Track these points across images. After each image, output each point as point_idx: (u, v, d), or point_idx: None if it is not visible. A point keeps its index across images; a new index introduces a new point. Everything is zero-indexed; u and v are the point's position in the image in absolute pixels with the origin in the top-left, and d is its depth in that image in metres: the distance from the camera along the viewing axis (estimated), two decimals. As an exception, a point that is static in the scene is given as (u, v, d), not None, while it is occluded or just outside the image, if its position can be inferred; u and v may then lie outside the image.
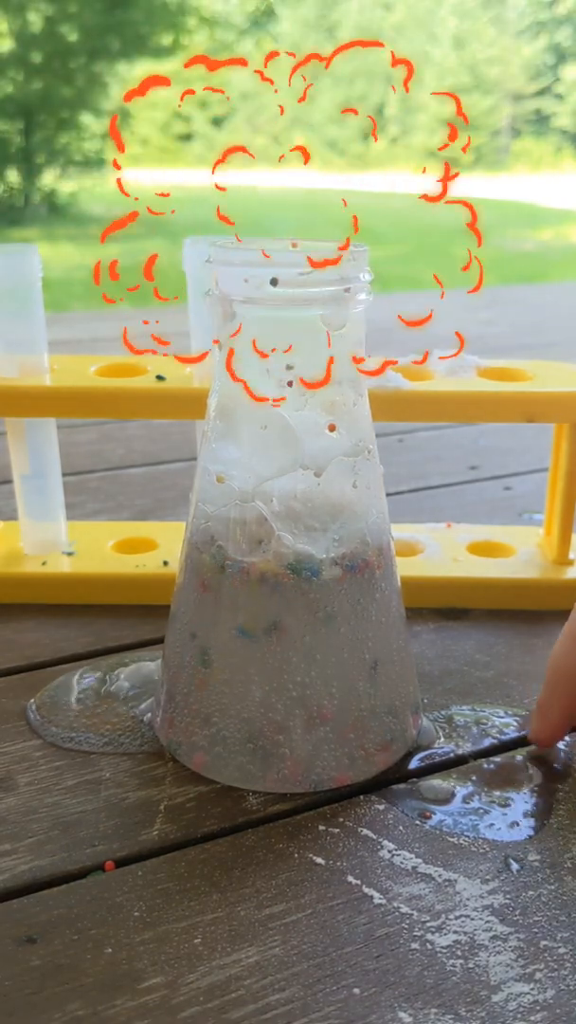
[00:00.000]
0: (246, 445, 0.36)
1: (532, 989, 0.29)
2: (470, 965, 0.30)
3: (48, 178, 6.74)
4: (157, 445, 0.81)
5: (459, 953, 0.30)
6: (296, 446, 0.35)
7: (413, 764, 0.39)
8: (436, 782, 0.37)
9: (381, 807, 0.36)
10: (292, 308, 0.34)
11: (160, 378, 0.50)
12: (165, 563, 0.52)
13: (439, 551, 0.54)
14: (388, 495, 0.39)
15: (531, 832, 0.35)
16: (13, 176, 6.58)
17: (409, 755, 0.39)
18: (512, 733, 0.41)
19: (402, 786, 0.38)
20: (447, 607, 0.51)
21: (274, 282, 0.33)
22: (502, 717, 0.42)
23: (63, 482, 0.54)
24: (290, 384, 0.35)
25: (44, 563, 0.52)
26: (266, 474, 0.35)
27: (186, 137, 11.17)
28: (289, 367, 0.34)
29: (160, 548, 0.54)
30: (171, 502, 0.68)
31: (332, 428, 0.35)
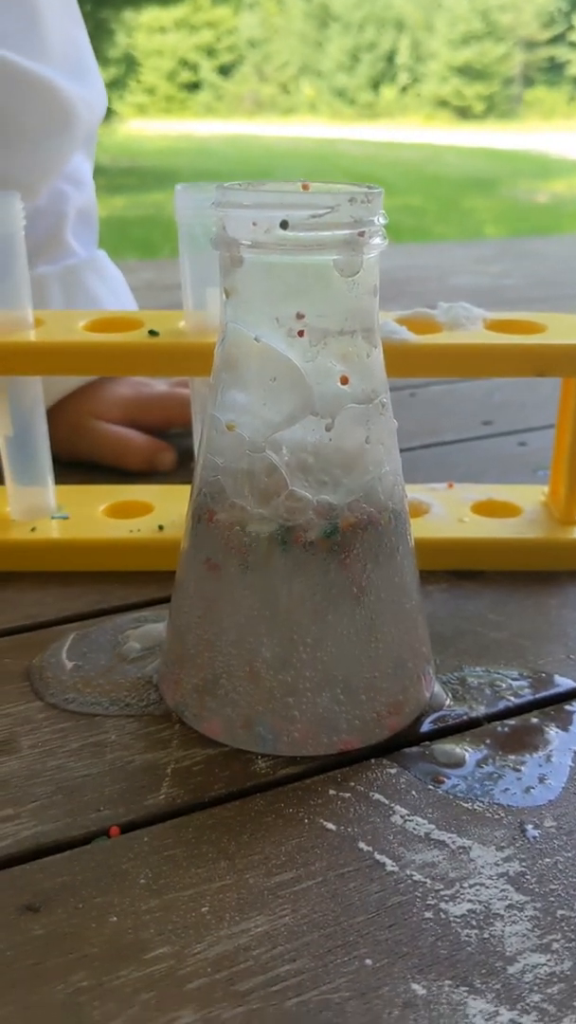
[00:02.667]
0: (256, 395, 0.35)
1: (549, 960, 0.28)
2: (485, 935, 0.29)
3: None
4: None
5: (474, 923, 0.29)
6: (308, 393, 0.34)
7: (425, 727, 0.38)
8: (449, 746, 0.36)
9: (393, 771, 0.35)
10: (303, 253, 0.32)
11: (153, 333, 0.48)
12: (160, 527, 0.51)
13: (444, 512, 0.53)
14: (400, 451, 0.37)
15: (547, 797, 0.34)
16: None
17: (421, 718, 0.38)
18: (527, 695, 0.40)
19: (414, 749, 0.37)
20: (458, 569, 0.50)
21: (284, 225, 0.31)
22: (516, 679, 0.41)
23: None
24: (301, 334, 0.33)
25: (33, 529, 0.51)
26: (276, 422, 0.34)
27: (193, 86, 10.99)
28: (299, 316, 0.33)
29: (155, 512, 0.52)
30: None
31: (345, 380, 0.34)
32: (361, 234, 0.32)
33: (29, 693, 0.40)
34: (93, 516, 0.52)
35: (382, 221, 0.33)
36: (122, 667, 0.41)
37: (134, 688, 0.40)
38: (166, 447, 0.63)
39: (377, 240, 0.33)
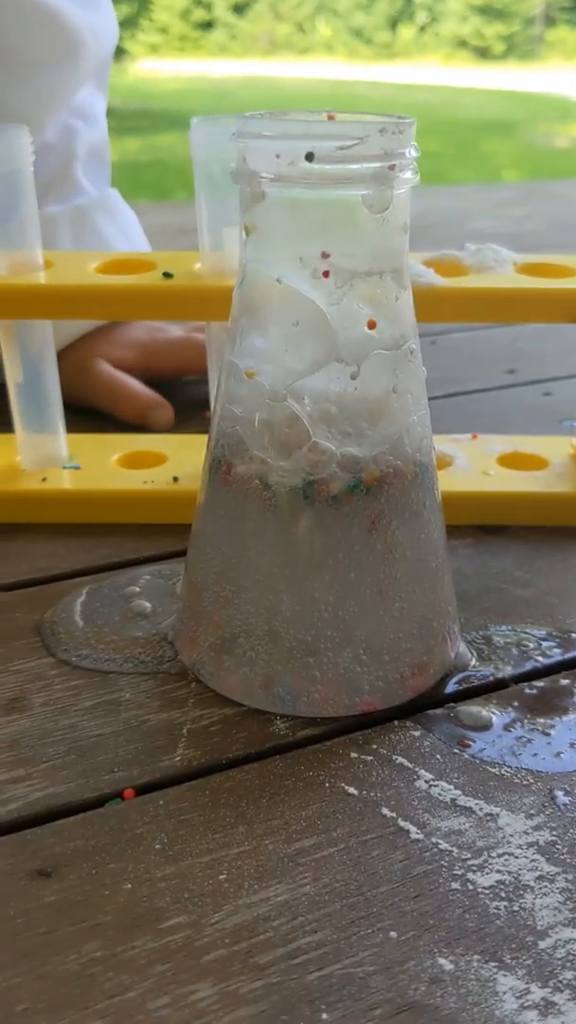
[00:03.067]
0: (277, 340, 0.33)
1: (582, 935, 0.27)
2: (515, 908, 0.27)
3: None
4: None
5: (503, 895, 0.28)
6: (332, 339, 0.32)
7: (450, 688, 0.36)
8: (475, 708, 0.35)
9: (417, 733, 0.34)
10: (329, 187, 0.30)
11: (167, 275, 0.46)
12: (175, 479, 0.49)
13: (468, 464, 0.51)
14: (425, 386, 0.35)
15: (578, 763, 0.33)
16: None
17: (446, 678, 0.37)
18: (556, 655, 0.38)
19: (438, 711, 0.35)
20: (481, 524, 0.48)
21: (310, 157, 0.29)
22: (544, 638, 0.39)
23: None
24: (326, 274, 0.31)
25: (44, 479, 0.49)
26: (299, 369, 0.32)
27: (207, 25, 10.76)
28: (325, 255, 0.31)
29: (169, 462, 0.51)
30: (187, 408, 0.64)
31: (372, 324, 0.32)
32: (392, 167, 0.30)
33: (40, 649, 0.39)
34: (106, 466, 0.51)
35: (414, 154, 0.31)
36: (136, 623, 0.40)
37: (149, 645, 0.39)
38: (163, 404, 0.60)
39: (408, 174, 0.31)
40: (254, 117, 0.31)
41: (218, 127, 0.43)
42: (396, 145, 0.30)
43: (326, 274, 0.31)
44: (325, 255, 0.31)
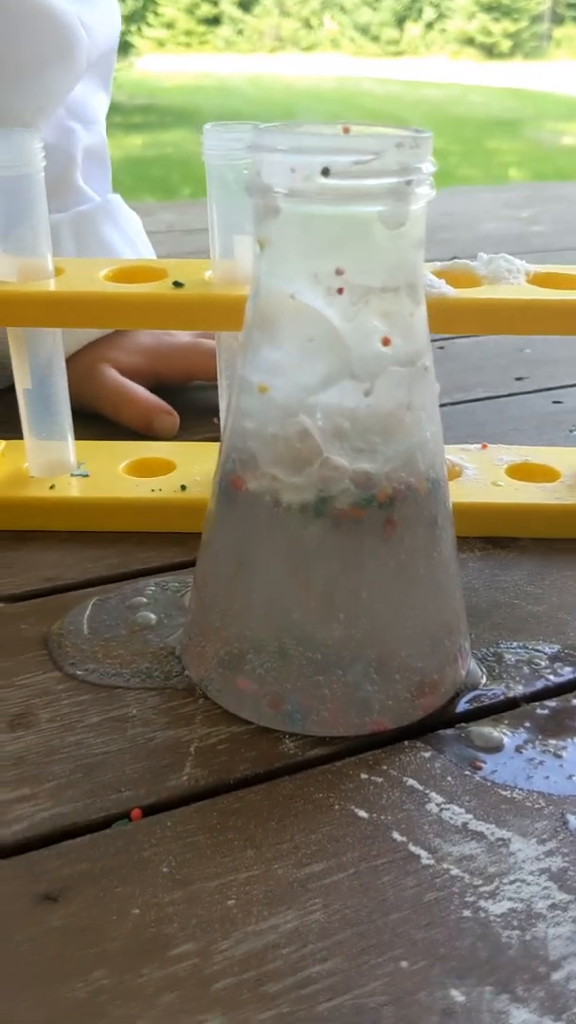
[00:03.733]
0: (290, 355, 0.32)
1: (596, 966, 0.26)
2: (527, 937, 0.27)
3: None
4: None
5: (515, 923, 0.27)
6: (345, 355, 0.31)
7: (460, 707, 0.36)
8: (486, 728, 0.35)
9: (427, 755, 0.34)
10: (345, 203, 0.30)
11: (178, 284, 0.45)
12: (183, 487, 0.48)
13: (477, 475, 0.51)
14: (439, 403, 0.35)
15: (590, 786, 0.32)
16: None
17: (456, 697, 0.36)
18: (567, 674, 0.38)
19: (449, 732, 0.35)
20: (492, 536, 0.48)
21: (326, 172, 0.29)
22: (556, 656, 0.39)
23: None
24: (340, 291, 0.31)
25: (52, 487, 0.49)
26: (311, 385, 0.32)
27: (213, 20, 10.74)
28: (339, 272, 0.30)
29: (178, 470, 0.50)
30: (197, 414, 0.64)
31: (386, 342, 0.31)
32: (408, 183, 0.30)
33: (47, 662, 0.38)
34: (114, 474, 0.50)
35: (431, 168, 0.30)
36: (143, 636, 0.40)
37: (156, 659, 0.38)
38: (168, 410, 0.59)
39: (425, 189, 0.30)
40: (269, 130, 0.30)
41: (232, 133, 0.43)
42: (413, 160, 0.30)
43: (340, 291, 0.30)
44: (339, 272, 0.30)
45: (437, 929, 0.27)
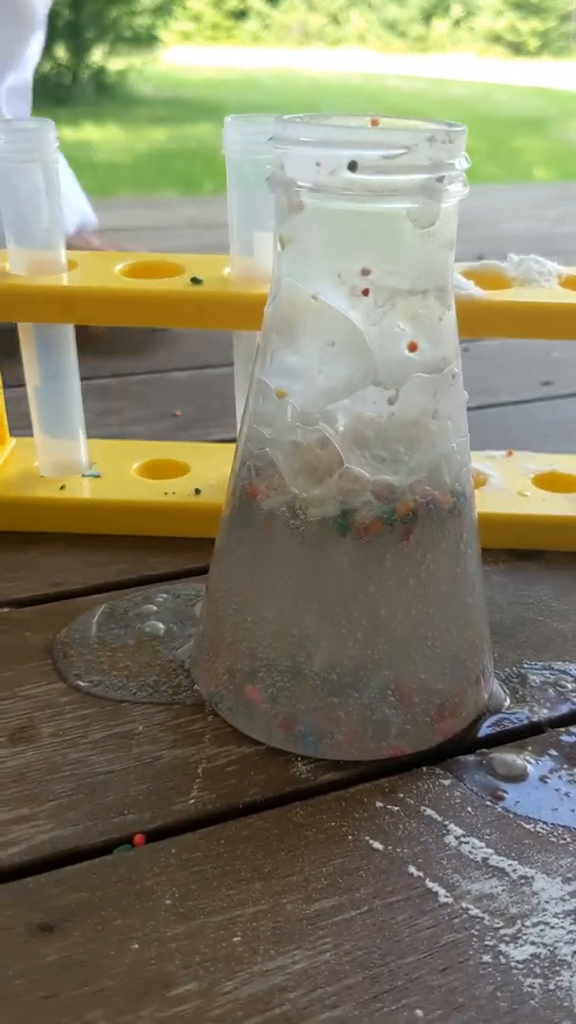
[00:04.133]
0: (310, 360, 0.31)
1: (624, 1021, 0.25)
2: (550, 986, 0.25)
3: (97, 55, 6.48)
4: (206, 346, 0.75)
5: (537, 970, 0.26)
6: (369, 361, 0.30)
7: (482, 731, 0.34)
8: (509, 756, 0.33)
9: (447, 782, 0.32)
10: (373, 200, 0.28)
11: (196, 280, 0.43)
12: (197, 491, 0.47)
13: (502, 483, 0.49)
14: (466, 411, 0.33)
15: (619, 821, 0.31)
16: (61, 52, 6.33)
17: (478, 720, 0.35)
18: (594, 698, 0.36)
19: (470, 758, 0.33)
20: (517, 548, 0.46)
21: (352, 166, 0.27)
22: (582, 677, 0.37)
23: (102, 385, 0.48)
24: (365, 292, 0.29)
25: (62, 487, 0.47)
26: (333, 391, 0.30)
27: (240, 14, 10.71)
28: (365, 272, 0.29)
29: (191, 473, 0.49)
30: (216, 411, 0.62)
31: (413, 347, 0.30)
32: (440, 179, 0.28)
33: (51, 673, 0.37)
34: (126, 475, 0.49)
35: (464, 165, 0.29)
36: (152, 647, 0.38)
37: (165, 672, 0.37)
38: None
39: (458, 187, 0.29)
40: (293, 121, 0.29)
41: (254, 126, 0.41)
42: (446, 155, 0.28)
43: (366, 292, 0.29)
44: (365, 272, 0.29)
45: (455, 975, 0.26)
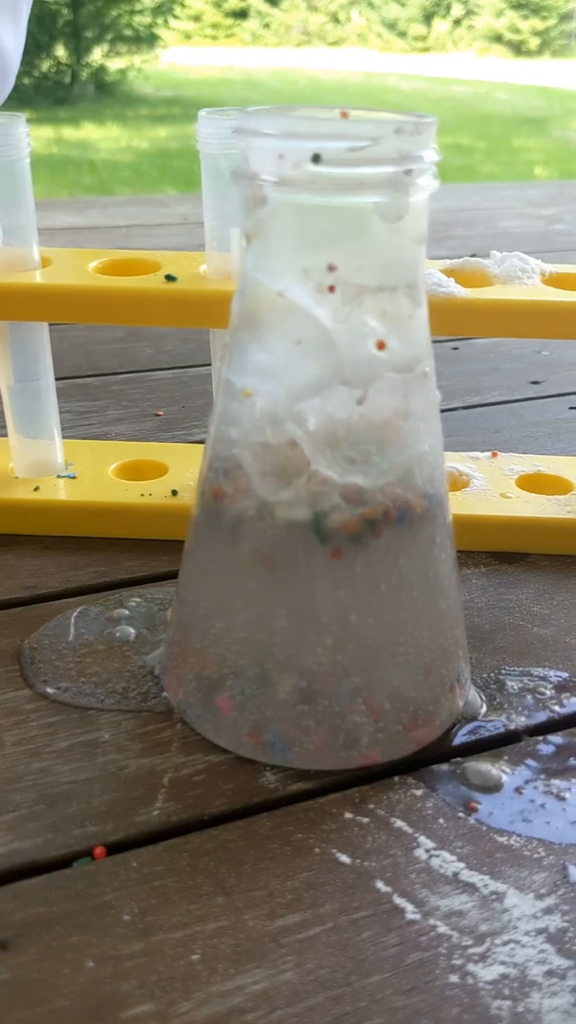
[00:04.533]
0: (277, 358, 0.30)
1: (594, 1044, 0.24)
2: (519, 1009, 0.25)
3: (97, 54, 6.48)
4: (188, 346, 0.75)
5: (506, 992, 0.25)
6: (336, 359, 0.29)
7: (457, 739, 0.34)
8: (484, 765, 0.32)
9: (419, 792, 0.31)
10: (338, 193, 0.27)
11: (170, 278, 0.43)
12: (174, 492, 0.46)
13: (485, 485, 0.48)
14: (439, 411, 0.32)
15: (595, 833, 0.30)
16: (61, 51, 6.32)
17: (453, 728, 0.34)
18: (573, 705, 0.35)
19: (444, 767, 0.32)
20: (499, 550, 0.45)
21: (316, 159, 0.26)
22: (562, 685, 0.36)
23: (86, 384, 0.47)
24: (331, 289, 0.28)
25: (37, 488, 0.46)
26: (300, 391, 0.29)
27: (240, 13, 10.70)
28: (331, 268, 0.28)
29: (169, 474, 0.48)
30: (199, 412, 0.62)
31: (381, 346, 0.29)
32: (408, 172, 0.27)
33: (18, 679, 0.36)
34: (103, 476, 0.48)
35: (433, 157, 0.28)
36: (122, 652, 0.37)
37: (134, 678, 0.36)
38: None
39: (427, 180, 0.28)
40: (257, 113, 0.28)
41: (228, 120, 0.40)
42: (413, 147, 0.27)
43: (331, 289, 0.28)
44: (331, 268, 0.28)
45: (420, 996, 0.25)
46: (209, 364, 0.71)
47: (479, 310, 0.42)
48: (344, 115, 0.29)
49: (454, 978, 0.25)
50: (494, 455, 0.51)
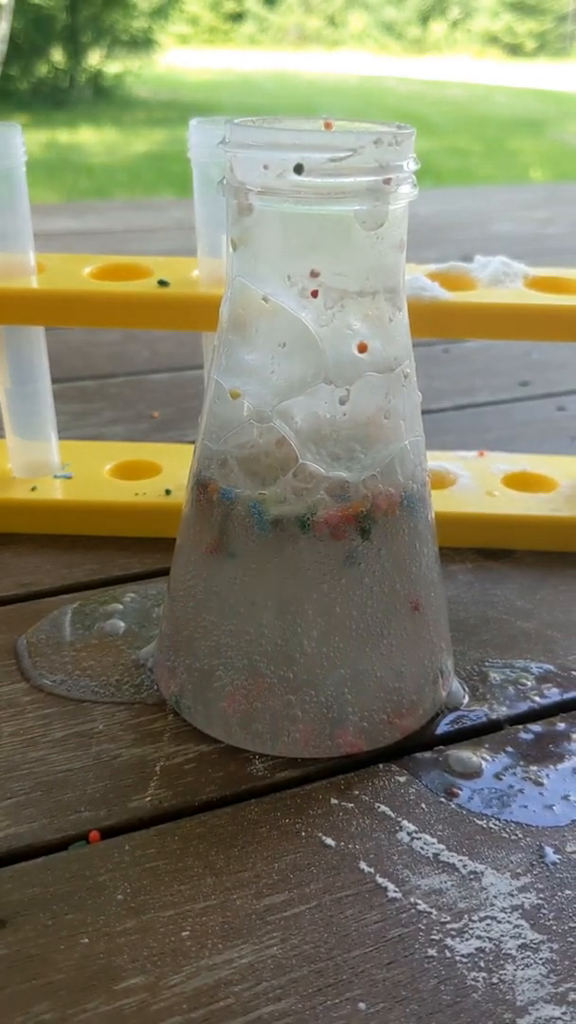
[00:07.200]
0: (264, 360, 0.31)
1: (564, 1014, 0.25)
2: (494, 980, 0.26)
3: (94, 58, 6.49)
4: (184, 349, 0.76)
5: (482, 964, 0.26)
6: (320, 361, 0.30)
7: (440, 728, 0.35)
8: (466, 753, 0.33)
9: (402, 779, 0.32)
10: (320, 202, 0.28)
11: (163, 283, 0.44)
12: (168, 492, 0.47)
13: (472, 483, 0.49)
14: (430, 412, 0.34)
15: (571, 817, 0.31)
16: (58, 55, 6.33)
17: (436, 718, 0.35)
18: (553, 696, 0.37)
19: (427, 755, 0.33)
20: (483, 547, 0.46)
21: (299, 169, 0.27)
22: (543, 677, 0.38)
23: (83, 386, 0.49)
24: (314, 294, 0.29)
25: (33, 488, 0.47)
26: (286, 390, 0.30)
27: (237, 17, 10.72)
28: (314, 274, 0.29)
29: (163, 473, 0.49)
30: (193, 413, 0.63)
31: (363, 348, 0.30)
32: (387, 181, 0.28)
33: (15, 672, 0.37)
34: (98, 476, 0.49)
35: (412, 167, 0.29)
36: (116, 646, 0.39)
37: (127, 671, 0.37)
38: None
39: (406, 188, 0.29)
40: (243, 124, 0.29)
41: (218, 128, 0.41)
42: (393, 157, 0.28)
43: (315, 293, 0.29)
44: (314, 274, 0.29)
45: (399, 968, 0.26)
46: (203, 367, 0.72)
47: (462, 313, 0.43)
48: (328, 126, 0.31)
49: (432, 952, 0.26)
50: (481, 454, 0.52)
